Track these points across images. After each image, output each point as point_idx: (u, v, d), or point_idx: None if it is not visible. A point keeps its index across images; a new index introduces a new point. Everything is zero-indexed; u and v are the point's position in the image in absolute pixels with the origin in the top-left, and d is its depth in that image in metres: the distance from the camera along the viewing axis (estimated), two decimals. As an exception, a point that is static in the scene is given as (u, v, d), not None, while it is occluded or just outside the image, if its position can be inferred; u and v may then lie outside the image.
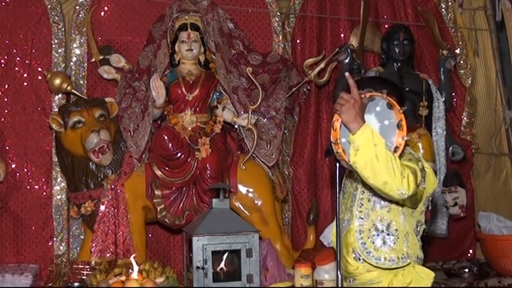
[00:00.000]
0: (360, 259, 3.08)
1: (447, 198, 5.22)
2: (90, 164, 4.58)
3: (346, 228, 3.15)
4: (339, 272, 2.94)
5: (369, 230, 3.07)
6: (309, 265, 4.26)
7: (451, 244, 5.45)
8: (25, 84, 4.94)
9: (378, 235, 3.08)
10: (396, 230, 3.05)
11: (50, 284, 4.58)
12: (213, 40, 4.90)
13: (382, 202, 3.04)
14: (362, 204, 3.10)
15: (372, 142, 2.74)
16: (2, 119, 4.89)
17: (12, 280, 4.49)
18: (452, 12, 5.69)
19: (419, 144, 5.05)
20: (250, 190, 4.84)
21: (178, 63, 4.79)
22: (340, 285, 3.00)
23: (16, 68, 4.94)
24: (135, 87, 4.80)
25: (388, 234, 3.05)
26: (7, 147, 4.91)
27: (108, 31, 5.09)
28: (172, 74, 4.77)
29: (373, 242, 3.05)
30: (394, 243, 3.04)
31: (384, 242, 3.06)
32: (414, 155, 3.11)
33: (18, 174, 4.95)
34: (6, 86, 4.93)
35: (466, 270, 5.04)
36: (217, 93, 4.89)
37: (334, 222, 3.23)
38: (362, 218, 3.09)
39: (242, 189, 4.84)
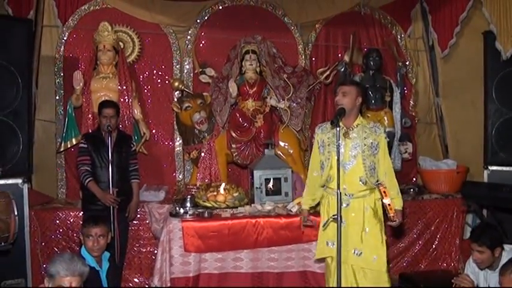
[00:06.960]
0: (364, 183, 3.54)
1: (401, 149, 5.79)
2: (195, 130, 5.33)
3: (351, 166, 3.50)
4: (339, 191, 3.23)
5: (369, 165, 3.53)
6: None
7: (403, 174, 5.82)
8: (158, 86, 5.79)
9: (371, 169, 3.55)
10: (375, 168, 3.58)
11: (175, 197, 5.21)
12: (264, 59, 5.46)
13: (371, 152, 3.50)
14: (364, 151, 3.51)
15: None
16: (148, 106, 5.71)
17: (154, 193, 5.20)
18: (404, 41, 6.25)
19: (385, 117, 5.61)
20: (286, 144, 5.40)
21: (244, 72, 5.40)
22: (339, 201, 3.22)
23: (154, 77, 5.80)
24: (220, 87, 5.45)
25: (374, 169, 3.56)
26: (150, 121, 5.65)
27: (204, 54, 5.78)
28: (241, 78, 5.40)
29: (371, 173, 3.53)
30: (375, 175, 3.58)
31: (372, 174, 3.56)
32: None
33: (156, 136, 5.71)
34: (149, 87, 5.79)
35: (411, 189, 5.48)
36: (267, 89, 5.45)
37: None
38: (365, 159, 3.51)
39: (281, 143, 5.40)
